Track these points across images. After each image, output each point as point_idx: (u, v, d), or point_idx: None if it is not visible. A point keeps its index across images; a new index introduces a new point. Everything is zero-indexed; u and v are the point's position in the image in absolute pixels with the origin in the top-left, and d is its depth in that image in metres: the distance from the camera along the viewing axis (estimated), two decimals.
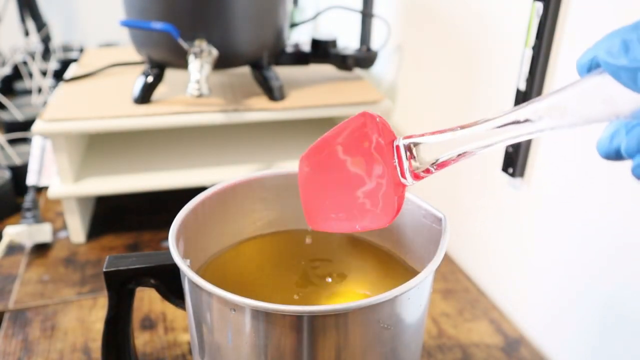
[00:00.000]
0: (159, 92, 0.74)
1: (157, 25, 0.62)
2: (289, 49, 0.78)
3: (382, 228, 0.35)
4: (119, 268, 0.38)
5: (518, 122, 0.27)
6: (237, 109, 0.69)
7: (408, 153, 0.32)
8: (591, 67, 0.24)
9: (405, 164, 0.32)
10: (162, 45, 0.67)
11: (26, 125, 0.95)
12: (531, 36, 0.52)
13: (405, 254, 0.44)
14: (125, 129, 0.67)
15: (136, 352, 0.43)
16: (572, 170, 0.50)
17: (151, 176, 0.72)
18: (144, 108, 0.69)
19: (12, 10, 1.34)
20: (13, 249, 0.71)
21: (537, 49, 0.51)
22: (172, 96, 0.74)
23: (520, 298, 0.60)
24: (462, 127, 0.30)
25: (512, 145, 0.57)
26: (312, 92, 0.76)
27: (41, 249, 0.71)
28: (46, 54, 1.37)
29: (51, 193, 0.68)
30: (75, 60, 1.19)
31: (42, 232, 0.70)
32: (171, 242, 0.36)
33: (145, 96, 0.71)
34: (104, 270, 0.38)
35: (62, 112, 0.67)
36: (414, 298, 0.34)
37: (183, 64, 0.66)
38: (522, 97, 0.54)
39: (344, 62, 0.79)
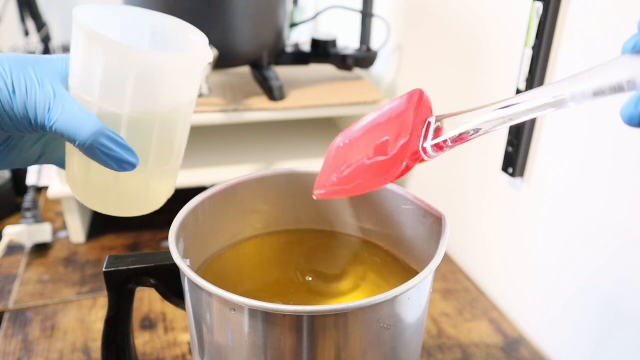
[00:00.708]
0: None
1: None
2: (289, 49, 0.78)
3: (384, 186, 0.35)
4: (119, 268, 0.38)
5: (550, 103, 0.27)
6: (237, 109, 0.69)
7: (435, 127, 0.34)
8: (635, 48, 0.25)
9: (430, 137, 0.33)
10: None
11: None
12: (531, 36, 0.52)
13: (405, 254, 0.44)
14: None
15: (136, 352, 0.43)
16: (572, 171, 0.50)
17: None
18: None
19: (12, 10, 1.34)
20: (13, 249, 0.71)
21: (537, 49, 0.51)
22: None
23: (520, 298, 0.60)
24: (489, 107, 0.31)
25: (512, 145, 0.57)
26: (312, 92, 0.76)
27: (41, 249, 0.71)
28: (46, 54, 1.37)
29: (51, 193, 0.68)
30: None
31: (42, 232, 0.70)
32: (171, 242, 0.36)
33: None
34: (104, 270, 0.38)
35: None
36: (414, 298, 0.34)
37: None
38: None
39: (344, 62, 0.79)
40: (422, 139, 0.34)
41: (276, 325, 0.31)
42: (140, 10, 0.37)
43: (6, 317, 0.59)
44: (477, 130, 0.31)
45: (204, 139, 0.83)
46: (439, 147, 0.33)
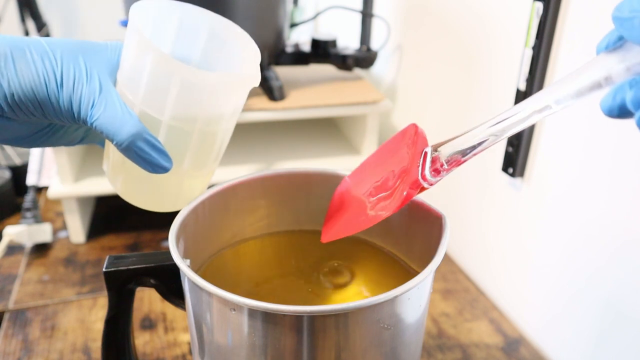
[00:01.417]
0: None
1: None
2: (289, 49, 0.78)
3: (385, 217, 0.36)
4: (119, 268, 0.38)
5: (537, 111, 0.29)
6: None
7: (432, 157, 0.35)
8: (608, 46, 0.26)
9: (427, 165, 0.35)
10: None
11: None
12: (531, 36, 0.52)
13: (405, 254, 0.44)
14: None
15: (136, 352, 0.43)
16: (572, 171, 0.50)
17: None
18: None
19: (12, 10, 1.34)
20: (13, 249, 0.71)
21: (537, 49, 0.51)
22: None
23: (520, 298, 0.60)
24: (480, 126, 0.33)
25: (512, 145, 0.57)
26: (312, 92, 0.76)
27: (41, 249, 0.71)
28: None
29: (51, 193, 0.68)
30: None
31: (42, 232, 0.70)
32: (171, 242, 0.36)
33: None
34: (104, 270, 0.38)
35: None
36: (414, 298, 0.34)
37: None
38: (522, 97, 0.54)
39: (344, 62, 0.79)
40: (420, 168, 0.35)
41: (276, 325, 0.31)
42: (198, 9, 0.37)
43: (6, 317, 0.59)
44: (472, 149, 0.33)
45: None
46: (436, 172, 0.34)
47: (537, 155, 0.55)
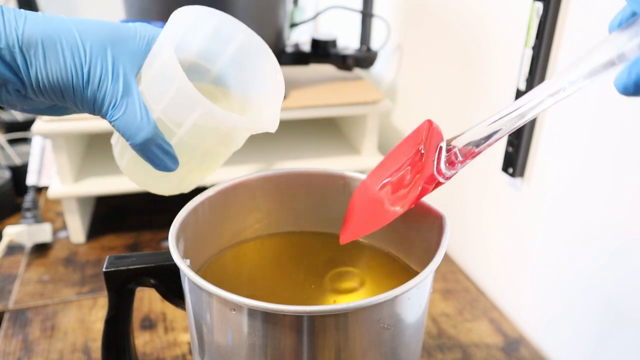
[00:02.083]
0: None
1: (157, 25, 0.62)
2: (289, 49, 0.78)
3: (404, 212, 0.36)
4: (119, 268, 0.38)
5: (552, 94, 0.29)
6: None
7: (447, 152, 0.35)
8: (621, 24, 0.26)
9: (443, 159, 0.34)
10: None
11: (26, 125, 0.95)
12: (531, 36, 0.52)
13: (405, 254, 0.44)
14: None
15: (136, 352, 0.43)
16: (572, 170, 0.50)
17: None
18: None
19: None
20: (13, 249, 0.71)
21: (537, 49, 0.51)
22: None
23: (520, 298, 0.60)
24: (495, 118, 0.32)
25: (512, 145, 0.57)
26: (312, 92, 0.76)
27: (41, 249, 0.71)
28: None
29: (51, 193, 0.68)
30: None
31: (42, 232, 0.70)
32: (171, 242, 0.36)
33: None
34: (104, 270, 0.38)
35: None
36: (414, 298, 0.34)
37: None
38: None
39: (344, 62, 0.79)
40: (435, 162, 0.35)
41: (276, 325, 0.31)
42: (237, 23, 0.37)
43: (6, 317, 0.59)
44: (485, 139, 0.32)
45: None
46: (452, 165, 0.34)
47: (537, 155, 0.55)
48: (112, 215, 0.79)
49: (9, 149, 0.86)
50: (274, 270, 0.45)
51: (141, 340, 0.56)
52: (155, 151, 0.33)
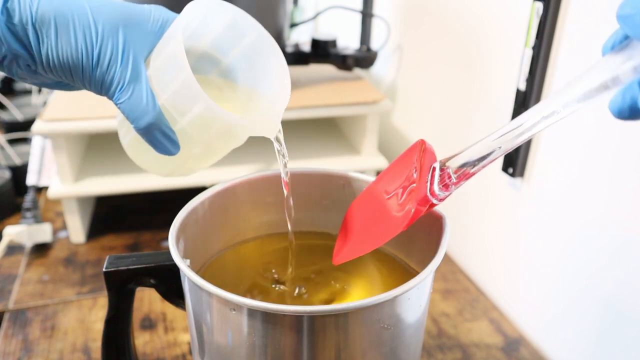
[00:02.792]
0: None
1: None
2: (289, 49, 0.78)
3: (396, 234, 0.36)
4: (119, 268, 0.38)
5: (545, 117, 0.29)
6: None
7: (441, 171, 0.35)
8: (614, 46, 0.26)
9: (436, 181, 0.34)
10: None
11: (26, 125, 0.95)
12: (531, 36, 0.52)
13: (405, 254, 0.44)
14: None
15: (136, 352, 0.43)
16: (572, 171, 0.50)
17: (151, 176, 0.72)
18: None
19: None
20: (13, 249, 0.71)
21: (537, 49, 0.51)
22: None
23: (520, 298, 0.60)
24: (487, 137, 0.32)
25: None
26: (312, 92, 0.76)
27: (41, 249, 0.71)
28: None
29: (51, 193, 0.68)
30: None
31: (42, 232, 0.70)
32: (171, 242, 0.36)
33: None
34: (104, 270, 0.38)
35: (62, 112, 0.67)
36: (414, 298, 0.34)
37: None
38: (522, 97, 0.54)
39: (344, 62, 0.79)
40: (428, 184, 0.35)
41: (276, 325, 0.31)
42: (252, 20, 0.37)
43: (6, 317, 0.59)
44: (480, 160, 0.32)
45: None
46: (445, 187, 0.34)
47: (537, 155, 0.55)
48: (112, 215, 0.79)
49: (9, 149, 0.86)
50: (274, 270, 0.45)
51: (141, 340, 0.56)
52: (158, 136, 0.34)
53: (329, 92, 0.76)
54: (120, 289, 0.39)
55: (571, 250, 0.52)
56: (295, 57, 0.79)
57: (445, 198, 0.34)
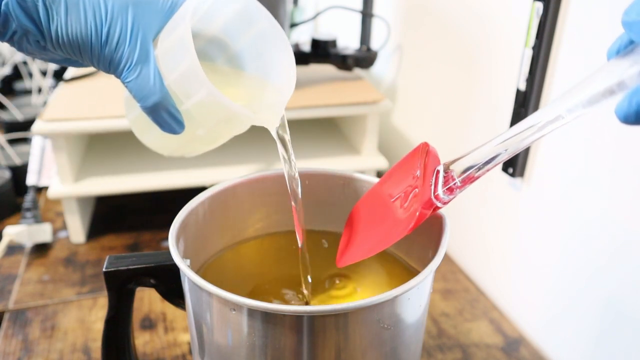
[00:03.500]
0: None
1: None
2: None
3: (401, 238, 0.36)
4: (119, 268, 0.38)
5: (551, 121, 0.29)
6: None
7: (445, 175, 0.35)
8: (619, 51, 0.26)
9: (440, 184, 0.34)
10: None
11: (26, 125, 0.95)
12: (531, 36, 0.52)
13: (405, 254, 0.44)
14: (125, 129, 0.67)
15: (136, 352, 0.43)
16: (572, 171, 0.50)
17: (151, 176, 0.72)
18: None
19: None
20: (13, 249, 0.71)
21: (537, 49, 0.51)
22: None
23: (520, 298, 0.60)
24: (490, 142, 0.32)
25: None
26: (312, 92, 0.76)
27: (41, 249, 0.71)
28: None
29: (51, 193, 0.68)
30: None
31: (42, 232, 0.70)
32: (171, 242, 0.36)
33: None
34: (104, 270, 0.38)
35: (62, 112, 0.67)
36: (414, 298, 0.34)
37: None
38: (522, 97, 0.54)
39: (344, 62, 0.79)
40: (432, 187, 0.34)
41: (276, 325, 0.31)
42: (264, 9, 0.38)
43: (6, 317, 0.59)
44: (485, 164, 0.32)
45: None
46: (450, 191, 0.34)
47: (537, 155, 0.55)
48: (112, 215, 0.79)
49: (9, 149, 0.86)
50: (274, 270, 0.45)
51: (141, 340, 0.56)
52: (164, 115, 0.34)
53: (329, 92, 0.76)
54: (120, 289, 0.39)
55: (571, 250, 0.52)
56: (295, 57, 0.78)
57: (449, 201, 0.34)
